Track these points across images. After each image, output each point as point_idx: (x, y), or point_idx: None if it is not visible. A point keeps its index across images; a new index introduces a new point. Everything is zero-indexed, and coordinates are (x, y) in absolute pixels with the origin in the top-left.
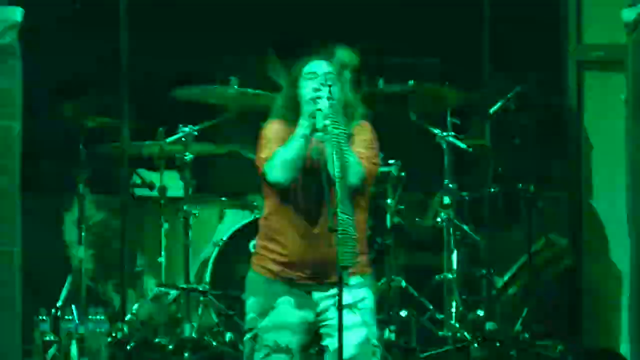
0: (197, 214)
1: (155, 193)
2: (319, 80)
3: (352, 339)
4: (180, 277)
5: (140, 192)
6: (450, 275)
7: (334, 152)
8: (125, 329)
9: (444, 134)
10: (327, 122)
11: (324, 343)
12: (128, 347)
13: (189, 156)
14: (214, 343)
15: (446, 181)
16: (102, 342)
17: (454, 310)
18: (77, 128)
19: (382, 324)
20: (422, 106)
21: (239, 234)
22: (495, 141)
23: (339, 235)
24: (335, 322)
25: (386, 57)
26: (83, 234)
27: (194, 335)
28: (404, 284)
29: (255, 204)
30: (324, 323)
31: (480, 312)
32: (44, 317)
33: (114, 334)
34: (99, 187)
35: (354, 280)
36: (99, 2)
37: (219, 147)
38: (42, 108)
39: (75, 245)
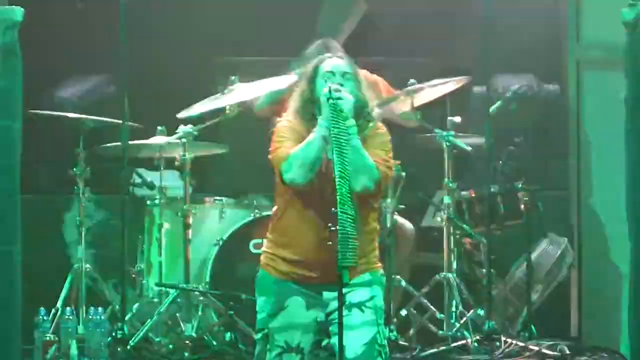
0: (196, 214)
1: (155, 193)
2: (336, 79)
3: (359, 338)
4: (180, 277)
5: (140, 191)
6: (450, 275)
7: (334, 152)
8: (125, 328)
9: (444, 133)
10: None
11: (333, 342)
12: (128, 347)
13: (188, 156)
14: (214, 343)
15: (446, 180)
16: (102, 342)
17: (454, 309)
18: (77, 128)
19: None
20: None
21: (239, 234)
22: (495, 141)
23: (339, 235)
24: (345, 321)
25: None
26: (83, 233)
27: (194, 335)
28: (403, 283)
29: (255, 203)
30: (334, 322)
31: (481, 312)
32: (44, 317)
33: (113, 334)
34: (99, 187)
35: (362, 278)
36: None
37: (219, 147)
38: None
39: (75, 245)
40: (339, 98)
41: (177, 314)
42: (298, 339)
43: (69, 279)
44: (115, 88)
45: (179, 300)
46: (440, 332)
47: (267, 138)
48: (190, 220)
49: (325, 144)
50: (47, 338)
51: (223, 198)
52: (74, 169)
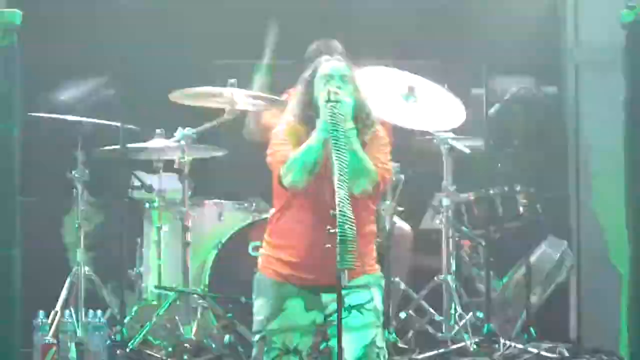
0: (195, 217)
1: (153, 195)
2: (335, 82)
3: (359, 341)
4: (179, 280)
5: (138, 194)
6: (449, 277)
7: (333, 154)
8: (124, 331)
9: (443, 135)
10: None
11: (332, 344)
12: (127, 350)
13: (187, 159)
14: (213, 346)
15: (445, 183)
16: (101, 345)
17: (453, 312)
18: (75, 131)
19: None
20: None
21: (238, 237)
22: (494, 143)
23: (338, 237)
24: (344, 323)
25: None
26: (82, 236)
27: (193, 337)
28: (402, 285)
29: (254, 206)
30: (333, 324)
31: (479, 314)
32: (43, 320)
33: (113, 337)
34: (98, 190)
35: (360, 280)
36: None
37: (218, 150)
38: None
39: (74, 248)
40: (337, 101)
41: (176, 317)
42: (296, 341)
43: (68, 282)
44: (113, 91)
45: (178, 303)
46: (439, 334)
47: (266, 141)
48: (189, 223)
49: (323, 148)
50: (46, 341)
51: (222, 201)
52: (73, 172)
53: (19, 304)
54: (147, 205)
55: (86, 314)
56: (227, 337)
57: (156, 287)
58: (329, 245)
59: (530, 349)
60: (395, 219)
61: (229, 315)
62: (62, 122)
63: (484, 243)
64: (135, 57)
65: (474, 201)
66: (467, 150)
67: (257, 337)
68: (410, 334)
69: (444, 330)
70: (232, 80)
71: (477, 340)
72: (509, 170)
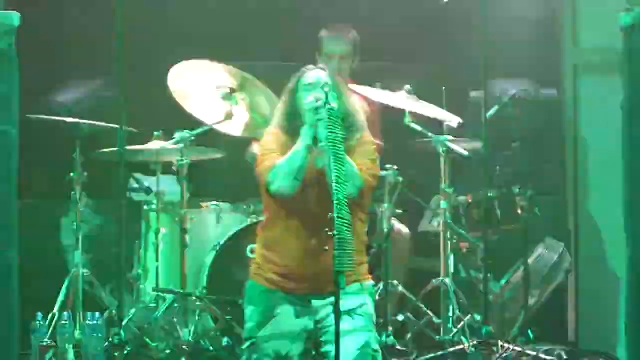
0: (193, 219)
1: (152, 198)
2: (318, 90)
3: (352, 344)
4: (177, 282)
5: (137, 196)
6: (447, 280)
7: (331, 160)
8: (123, 334)
9: (441, 138)
10: (327, 131)
11: (323, 350)
12: (125, 352)
13: (185, 161)
14: (211, 348)
15: (443, 185)
16: (99, 347)
17: (451, 314)
18: (74, 133)
19: (379, 329)
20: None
21: (237, 239)
22: (492, 145)
23: (336, 241)
24: (334, 328)
25: (383, 62)
26: (80, 238)
27: (190, 340)
28: (400, 288)
29: (252, 208)
30: (323, 331)
31: (478, 317)
32: (41, 322)
33: (111, 339)
34: (96, 192)
35: (353, 287)
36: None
37: (216, 152)
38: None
39: (72, 250)
40: (323, 106)
41: (174, 319)
42: (287, 348)
43: (66, 284)
44: (112, 93)
45: (176, 305)
46: (437, 337)
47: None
48: (188, 225)
49: (310, 154)
50: (45, 343)
51: (220, 203)
52: (71, 174)
53: (17, 305)
54: (145, 207)
55: (84, 316)
56: (225, 340)
57: (154, 289)
58: (327, 248)
59: (528, 351)
60: (394, 221)
61: (227, 317)
62: (61, 124)
63: (482, 245)
64: (134, 59)
65: (472, 203)
66: (465, 153)
67: (247, 344)
68: (409, 336)
69: (442, 333)
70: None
71: (475, 342)
72: (507, 172)
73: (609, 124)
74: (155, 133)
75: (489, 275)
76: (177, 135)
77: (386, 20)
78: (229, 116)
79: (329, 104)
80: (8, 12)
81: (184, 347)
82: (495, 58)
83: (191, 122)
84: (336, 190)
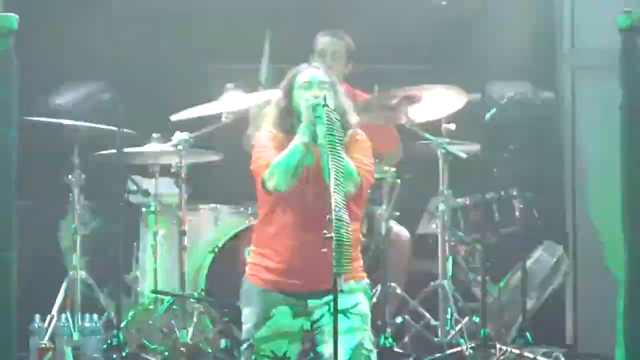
0: (192, 221)
1: (150, 200)
2: (313, 88)
3: (346, 344)
4: (176, 284)
5: (135, 198)
6: (445, 282)
7: (329, 159)
8: (121, 336)
9: (439, 140)
10: (324, 129)
11: (319, 349)
12: (123, 354)
13: (184, 163)
14: (210, 350)
15: (441, 188)
16: (98, 349)
17: (449, 316)
18: (72, 135)
19: (377, 331)
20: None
21: (235, 241)
22: (490, 148)
23: (334, 242)
24: (330, 328)
25: (381, 64)
26: (78, 241)
27: (189, 342)
28: (399, 290)
29: (250, 210)
30: (319, 330)
31: (476, 319)
32: (39, 324)
33: (109, 341)
34: (94, 194)
35: (348, 286)
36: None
37: (214, 154)
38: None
39: (70, 252)
40: (318, 104)
41: (173, 321)
42: (284, 348)
43: (64, 286)
44: (110, 95)
45: (174, 307)
46: (436, 339)
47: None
48: (186, 228)
49: (307, 151)
50: (43, 345)
51: (218, 205)
52: (69, 176)
53: (15, 307)
54: (143, 209)
55: (82, 318)
56: (223, 342)
57: (152, 291)
58: (325, 250)
59: (526, 353)
60: (393, 223)
61: (225, 319)
62: (59, 126)
63: (480, 248)
64: (133, 61)
65: (471, 206)
66: (464, 155)
67: (245, 345)
68: (406, 338)
69: (440, 335)
70: (230, 85)
71: (473, 345)
72: (505, 174)
73: (607, 126)
74: (154, 135)
75: (487, 277)
76: (175, 138)
77: (383, 22)
78: (228, 119)
79: (327, 103)
80: (6, 14)
81: (182, 349)
82: (493, 60)
83: (189, 125)
84: (335, 190)
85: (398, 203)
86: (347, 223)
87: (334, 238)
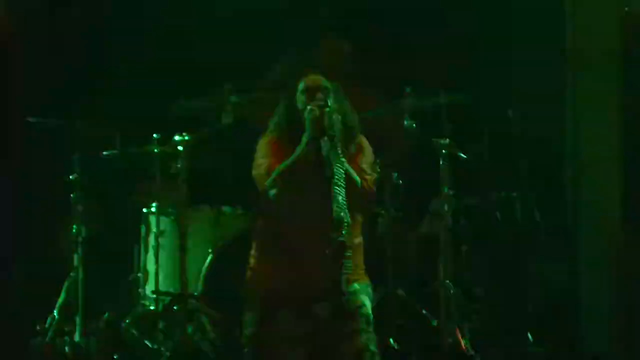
0: (192, 222)
1: (150, 200)
2: (317, 95)
3: (351, 346)
4: (176, 285)
5: (136, 199)
6: (447, 283)
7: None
8: (122, 336)
9: (440, 140)
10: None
11: (322, 353)
12: (124, 355)
13: (184, 164)
14: (209, 350)
15: (443, 188)
16: (99, 349)
17: (450, 317)
18: (73, 135)
19: (379, 332)
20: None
21: (236, 242)
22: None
23: (336, 244)
24: (334, 331)
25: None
26: (79, 240)
27: (190, 342)
28: (401, 291)
29: (251, 212)
30: (322, 334)
31: (476, 319)
32: (41, 324)
33: (110, 342)
34: (96, 194)
35: (351, 288)
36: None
37: (215, 155)
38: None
39: (72, 252)
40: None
41: (174, 322)
42: (287, 352)
43: (65, 287)
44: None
45: (175, 308)
46: (437, 339)
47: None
48: (187, 229)
49: (310, 161)
50: (43, 345)
51: (219, 206)
52: (71, 177)
53: (17, 307)
54: (144, 210)
55: (84, 319)
56: (223, 343)
57: (154, 291)
58: (327, 253)
59: (526, 353)
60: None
61: (226, 320)
62: (60, 126)
63: (481, 248)
64: (134, 62)
65: (472, 206)
66: (465, 156)
67: (247, 349)
68: (408, 339)
69: (441, 336)
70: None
71: (474, 345)
72: (506, 175)
73: (609, 125)
74: (155, 136)
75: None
76: (176, 139)
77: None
78: (228, 120)
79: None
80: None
81: (182, 349)
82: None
83: (189, 125)
84: (336, 193)
85: (399, 203)
86: (348, 224)
87: (336, 241)
